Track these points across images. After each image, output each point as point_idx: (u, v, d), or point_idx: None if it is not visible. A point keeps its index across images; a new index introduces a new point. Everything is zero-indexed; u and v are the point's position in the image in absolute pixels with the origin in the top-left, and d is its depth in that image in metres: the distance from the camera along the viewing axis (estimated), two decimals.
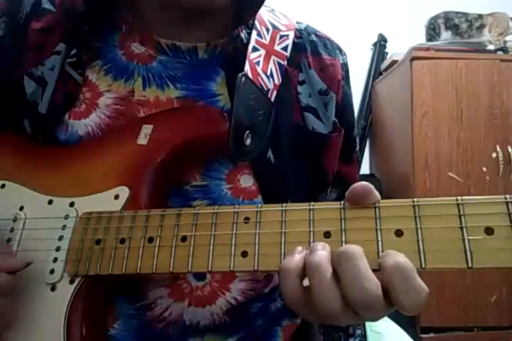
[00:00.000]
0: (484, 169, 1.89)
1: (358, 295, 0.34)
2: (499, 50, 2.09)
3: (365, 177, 2.18)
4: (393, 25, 2.50)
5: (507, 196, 0.36)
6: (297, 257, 0.37)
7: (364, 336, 0.75)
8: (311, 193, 0.61)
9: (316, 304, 0.36)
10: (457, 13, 2.17)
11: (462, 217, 0.36)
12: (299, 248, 0.38)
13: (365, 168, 2.47)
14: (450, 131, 1.91)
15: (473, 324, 1.82)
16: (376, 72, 2.50)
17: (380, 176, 2.34)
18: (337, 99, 0.64)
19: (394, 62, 2.26)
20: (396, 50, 2.29)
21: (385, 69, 2.40)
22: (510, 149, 1.91)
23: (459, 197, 0.37)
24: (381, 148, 2.41)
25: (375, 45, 2.55)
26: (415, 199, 0.38)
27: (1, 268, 0.45)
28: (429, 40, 2.18)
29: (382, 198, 0.40)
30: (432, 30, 2.17)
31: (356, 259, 0.35)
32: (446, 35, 2.16)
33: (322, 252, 0.37)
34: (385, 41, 2.53)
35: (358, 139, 0.72)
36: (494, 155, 1.90)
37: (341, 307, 0.36)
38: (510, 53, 2.07)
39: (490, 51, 2.10)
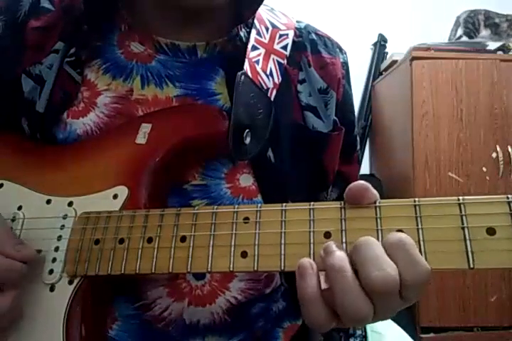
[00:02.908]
0: (484, 169, 1.89)
1: (379, 283, 0.34)
2: (499, 50, 2.08)
3: (365, 177, 2.18)
4: (393, 25, 2.50)
5: (509, 196, 0.35)
6: (312, 276, 0.36)
7: (364, 336, 0.75)
8: (312, 193, 0.61)
9: (342, 307, 0.35)
10: (497, 13, 2.17)
11: (464, 217, 0.36)
12: (307, 264, 0.37)
13: (365, 168, 2.48)
14: (450, 131, 1.91)
15: (473, 324, 1.82)
16: (376, 72, 2.50)
17: (380, 176, 2.34)
18: (337, 97, 0.63)
19: (394, 62, 2.26)
20: (396, 50, 2.29)
21: (385, 69, 2.41)
22: (510, 149, 1.91)
23: (460, 197, 0.37)
24: (381, 148, 2.41)
25: (375, 45, 2.55)
26: (416, 199, 0.38)
27: (16, 257, 0.45)
28: (467, 34, 2.18)
29: (382, 198, 0.39)
30: (471, 25, 2.16)
31: (373, 244, 0.35)
32: (485, 33, 2.15)
33: (340, 252, 0.36)
34: (385, 41, 2.53)
35: (358, 138, 0.72)
36: (494, 155, 1.90)
37: (368, 306, 0.35)
38: (510, 53, 2.07)
39: (490, 51, 2.10)
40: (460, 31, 2.21)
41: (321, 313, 0.36)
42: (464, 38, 2.21)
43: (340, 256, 0.36)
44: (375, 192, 0.39)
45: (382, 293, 0.34)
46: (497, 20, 2.16)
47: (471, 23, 2.19)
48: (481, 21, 2.17)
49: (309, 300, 0.36)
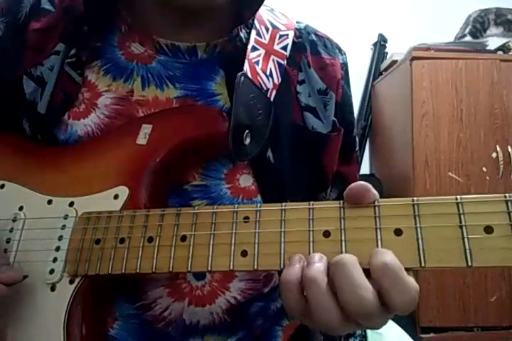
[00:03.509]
0: (484, 169, 1.89)
1: (354, 304, 0.35)
2: (499, 50, 2.09)
3: (365, 177, 2.19)
4: (393, 25, 2.50)
5: (507, 195, 0.35)
6: (296, 268, 0.37)
7: (364, 336, 0.75)
8: (311, 193, 0.61)
9: (314, 316, 0.36)
10: (510, 9, 2.16)
11: (462, 215, 0.36)
12: (297, 257, 0.38)
13: (365, 168, 2.48)
14: (450, 131, 1.91)
15: (473, 324, 1.82)
16: (376, 72, 2.50)
17: (380, 176, 2.34)
18: (336, 98, 0.64)
19: (394, 62, 2.27)
20: (396, 50, 2.30)
21: (385, 69, 2.41)
22: (510, 149, 1.91)
23: (458, 196, 0.37)
24: (381, 148, 2.41)
25: (375, 45, 2.55)
26: (415, 198, 0.38)
27: (0, 280, 0.45)
28: (472, 33, 2.18)
29: (382, 198, 0.39)
30: (480, 24, 2.16)
31: (349, 268, 0.35)
32: (495, 30, 2.15)
33: (318, 265, 0.37)
34: (385, 41, 2.53)
35: (357, 139, 0.72)
36: (494, 155, 1.90)
37: (339, 319, 0.36)
38: (510, 53, 2.07)
39: (490, 51, 2.10)
40: (467, 30, 2.22)
41: (296, 302, 0.37)
42: (468, 38, 2.21)
43: (317, 268, 0.36)
44: (375, 192, 0.39)
45: (359, 316, 0.35)
46: (510, 17, 2.15)
47: (480, 22, 2.19)
48: (491, 20, 2.17)
49: (287, 284, 0.37)
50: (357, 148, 0.71)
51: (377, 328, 0.38)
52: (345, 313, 0.36)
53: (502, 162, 1.89)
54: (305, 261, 0.38)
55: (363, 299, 0.34)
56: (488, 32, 2.17)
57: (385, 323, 0.38)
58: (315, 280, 0.36)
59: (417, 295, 0.35)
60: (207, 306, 0.52)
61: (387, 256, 0.35)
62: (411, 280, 0.35)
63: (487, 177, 1.89)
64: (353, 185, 0.39)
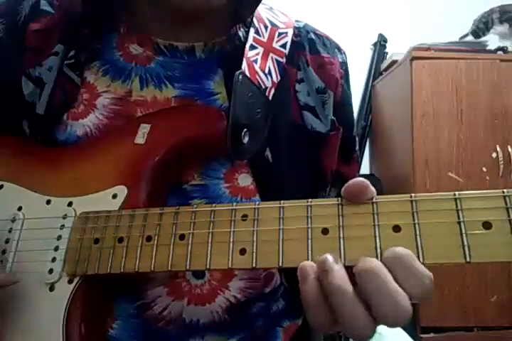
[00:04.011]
0: (484, 169, 1.89)
1: (391, 311, 0.33)
2: (499, 50, 2.08)
3: (365, 177, 2.18)
4: (393, 25, 2.50)
5: (505, 190, 0.35)
6: (312, 280, 0.35)
7: None
8: (310, 192, 0.61)
9: (346, 325, 0.35)
10: None
11: (460, 211, 0.36)
12: (308, 267, 0.36)
13: (365, 168, 2.47)
14: (450, 131, 1.91)
15: (473, 324, 1.81)
16: (376, 72, 2.50)
17: (380, 176, 2.34)
18: (335, 97, 0.63)
19: (394, 62, 2.26)
20: (396, 50, 2.29)
21: (385, 69, 2.40)
22: (510, 149, 1.90)
23: (456, 192, 0.37)
24: (381, 148, 2.41)
25: (375, 45, 2.55)
26: (413, 195, 0.38)
27: None
28: (474, 33, 2.18)
29: None
30: (483, 24, 2.16)
31: (380, 274, 0.34)
32: (500, 28, 2.15)
33: (338, 269, 0.35)
34: (385, 41, 2.53)
35: (357, 139, 0.72)
36: (494, 155, 1.90)
37: (371, 323, 0.34)
38: (510, 53, 2.07)
39: (490, 51, 2.09)
40: (469, 30, 2.22)
41: (323, 317, 0.36)
42: (470, 37, 2.21)
43: (339, 274, 0.35)
44: (373, 189, 0.39)
45: (393, 321, 0.34)
46: None
47: (484, 22, 2.19)
48: (495, 19, 2.16)
49: (311, 304, 0.36)
50: (357, 148, 0.71)
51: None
52: (379, 318, 0.34)
53: (502, 162, 1.89)
54: (317, 268, 0.36)
55: (401, 305, 0.33)
56: (492, 31, 2.17)
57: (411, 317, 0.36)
58: (340, 289, 0.34)
59: (430, 283, 0.34)
60: (206, 305, 0.52)
61: (397, 247, 0.35)
62: (423, 267, 0.34)
63: (487, 177, 1.88)
64: (351, 181, 0.39)
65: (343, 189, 0.39)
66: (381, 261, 0.35)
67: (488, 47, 2.12)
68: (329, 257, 0.36)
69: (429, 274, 0.35)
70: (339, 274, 0.35)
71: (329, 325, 0.36)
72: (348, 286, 0.35)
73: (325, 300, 0.35)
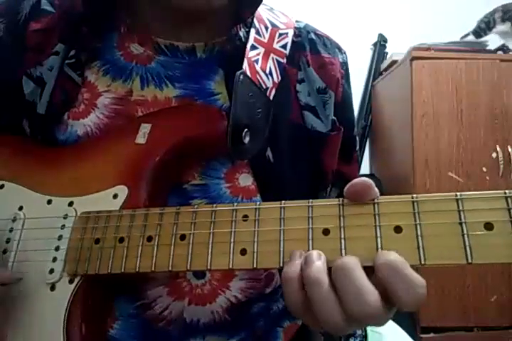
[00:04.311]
0: (484, 169, 1.89)
1: (358, 308, 0.35)
2: (499, 50, 2.08)
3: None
4: (393, 25, 2.50)
5: (506, 191, 0.35)
6: (297, 264, 0.37)
7: (364, 336, 0.75)
8: (311, 192, 0.61)
9: (317, 315, 0.36)
10: None
11: (461, 212, 0.36)
12: (297, 253, 0.38)
13: (365, 168, 2.47)
14: (450, 131, 1.91)
15: (473, 324, 1.82)
16: (376, 72, 2.50)
17: (380, 176, 2.34)
18: (336, 97, 0.63)
19: (394, 62, 2.26)
20: (396, 50, 2.29)
21: (385, 69, 2.40)
22: (510, 149, 1.90)
23: (458, 193, 0.37)
24: (381, 148, 2.41)
25: (375, 45, 2.55)
26: (414, 195, 0.38)
27: None
28: (476, 33, 2.18)
29: None
30: (485, 24, 2.17)
31: (352, 272, 0.35)
32: (502, 27, 2.15)
33: (318, 263, 0.37)
34: (385, 41, 2.53)
35: (358, 139, 0.72)
36: (494, 155, 1.90)
37: (342, 319, 0.36)
38: (510, 53, 2.07)
39: (490, 51, 2.10)
40: (471, 30, 2.22)
41: (296, 296, 0.37)
42: (471, 37, 2.21)
43: (318, 268, 0.36)
44: (376, 190, 0.39)
45: (363, 318, 0.35)
46: None
47: (486, 22, 2.19)
48: (497, 18, 2.16)
49: (288, 281, 0.37)
50: (357, 148, 0.71)
51: (381, 325, 0.38)
52: (348, 314, 0.36)
53: (502, 162, 1.89)
54: (304, 258, 0.38)
55: (368, 304, 0.34)
56: (494, 30, 2.17)
57: (388, 320, 0.38)
58: (317, 280, 0.36)
59: (424, 291, 0.35)
60: (207, 305, 0.52)
61: (392, 255, 0.35)
62: (417, 276, 0.35)
63: (487, 177, 1.88)
64: (354, 181, 0.39)
65: (345, 188, 0.39)
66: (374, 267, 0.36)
67: (488, 47, 2.12)
68: (315, 252, 0.37)
69: (421, 281, 0.35)
70: (319, 267, 0.36)
71: (302, 309, 0.37)
72: (324, 277, 0.36)
73: (301, 285, 0.37)
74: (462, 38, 2.26)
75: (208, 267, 0.41)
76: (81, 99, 0.56)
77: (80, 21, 0.57)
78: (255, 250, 0.40)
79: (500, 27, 2.16)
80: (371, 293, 0.35)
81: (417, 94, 1.93)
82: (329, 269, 0.37)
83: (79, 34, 0.57)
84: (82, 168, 0.53)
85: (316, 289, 0.36)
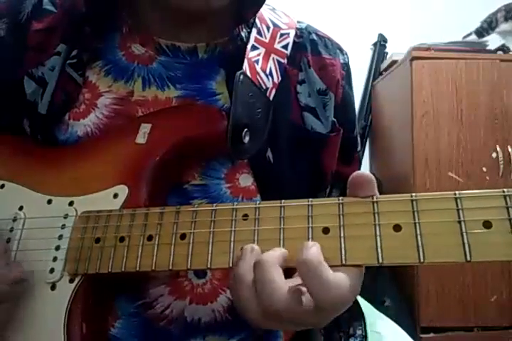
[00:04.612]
0: (484, 169, 1.89)
1: (268, 299, 0.37)
2: (499, 50, 2.09)
3: None
4: (393, 25, 2.50)
5: (505, 190, 0.35)
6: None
7: (364, 336, 0.75)
8: (310, 193, 0.61)
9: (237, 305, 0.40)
10: None
11: (460, 211, 0.36)
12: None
13: (365, 168, 2.47)
14: (450, 131, 1.91)
15: (473, 324, 1.81)
16: (376, 72, 2.49)
17: (380, 176, 2.33)
18: (336, 99, 0.63)
19: (394, 62, 2.26)
20: (396, 50, 2.29)
21: (385, 69, 2.40)
22: (510, 149, 1.90)
23: (456, 192, 0.37)
24: (381, 148, 2.41)
25: (375, 45, 2.55)
26: (413, 194, 0.38)
27: (4, 280, 0.45)
28: (478, 33, 2.19)
29: None
30: (487, 24, 2.17)
31: (268, 267, 0.37)
32: (505, 26, 2.16)
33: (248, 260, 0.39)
34: (385, 41, 2.53)
35: (359, 139, 0.72)
36: (494, 155, 1.90)
37: (258, 313, 0.38)
38: (510, 53, 2.07)
39: (490, 51, 2.09)
40: (473, 30, 2.23)
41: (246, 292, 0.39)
42: (473, 37, 2.21)
43: (243, 267, 0.39)
44: (376, 190, 0.40)
45: (274, 312, 0.37)
46: None
47: (488, 22, 2.20)
48: (500, 18, 2.17)
49: (239, 277, 0.39)
50: (358, 148, 0.71)
51: (314, 327, 0.41)
52: (262, 307, 0.37)
53: (502, 162, 1.89)
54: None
55: (278, 301, 0.36)
56: (497, 30, 2.17)
57: (320, 324, 0.40)
58: (241, 277, 0.38)
59: (343, 294, 0.36)
60: (208, 304, 0.53)
61: (311, 251, 0.37)
62: (334, 277, 0.36)
63: (487, 177, 1.88)
64: (356, 173, 0.40)
65: (349, 179, 0.40)
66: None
67: (488, 47, 2.12)
68: (247, 247, 0.40)
69: (336, 285, 0.36)
70: (243, 267, 0.39)
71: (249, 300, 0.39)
72: (247, 277, 0.38)
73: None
74: (464, 37, 2.27)
75: (208, 266, 0.41)
76: (82, 99, 0.56)
77: (82, 21, 0.58)
78: None
79: (503, 26, 2.17)
80: (280, 288, 0.37)
81: (417, 94, 1.93)
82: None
83: (81, 34, 0.57)
84: (82, 168, 0.53)
85: (239, 286, 0.39)
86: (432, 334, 1.80)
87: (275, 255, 0.38)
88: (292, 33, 0.62)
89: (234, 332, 0.55)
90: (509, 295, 1.82)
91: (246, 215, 0.42)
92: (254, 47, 0.58)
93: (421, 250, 0.36)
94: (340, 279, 0.37)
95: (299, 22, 0.66)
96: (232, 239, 0.41)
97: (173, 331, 0.52)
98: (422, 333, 1.79)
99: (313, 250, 0.37)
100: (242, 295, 0.38)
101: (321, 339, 0.64)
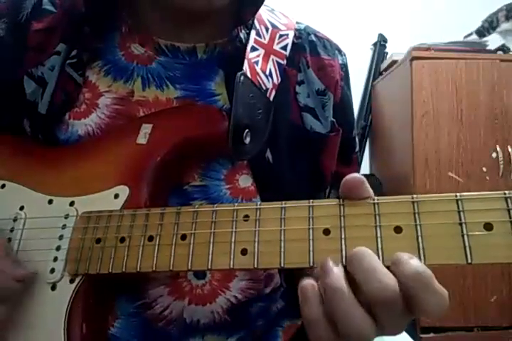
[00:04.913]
0: (484, 169, 1.89)
1: (377, 291, 0.33)
2: (499, 50, 2.09)
3: (365, 177, 2.18)
4: (393, 25, 2.50)
5: (506, 192, 0.35)
6: (314, 299, 0.36)
7: None
8: (310, 193, 0.61)
9: (346, 330, 0.34)
10: None
11: (461, 213, 0.36)
12: (309, 293, 0.36)
13: (365, 168, 2.47)
14: (450, 131, 1.91)
15: (473, 324, 1.81)
16: (376, 72, 2.50)
17: (380, 176, 2.34)
18: (335, 99, 0.64)
19: (394, 62, 2.26)
20: (396, 50, 2.29)
21: (385, 69, 2.40)
22: (510, 149, 1.90)
23: (458, 194, 0.37)
24: (381, 148, 2.41)
25: (375, 45, 2.55)
26: (414, 196, 0.38)
27: (11, 277, 0.45)
28: (479, 32, 2.20)
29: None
30: (488, 23, 2.17)
31: (369, 256, 0.35)
32: (506, 25, 2.16)
33: (336, 270, 0.35)
34: (385, 41, 2.53)
35: (357, 140, 0.72)
36: (494, 155, 1.90)
37: (373, 330, 0.34)
38: (510, 53, 2.07)
39: (490, 51, 2.09)
40: (474, 30, 2.23)
41: (325, 332, 0.35)
42: (474, 37, 2.21)
43: (337, 275, 0.35)
44: (369, 189, 0.39)
45: (383, 305, 0.34)
46: None
47: (489, 21, 2.20)
48: (501, 17, 2.17)
49: (312, 321, 0.36)
50: (357, 149, 0.71)
51: (399, 333, 0.37)
52: (369, 304, 0.34)
53: (502, 162, 1.89)
54: (316, 287, 0.36)
55: (387, 285, 0.33)
56: (498, 29, 2.17)
57: (405, 326, 0.37)
58: (338, 288, 0.34)
59: (447, 299, 0.35)
60: (207, 305, 0.53)
61: (417, 265, 0.34)
62: (440, 286, 0.35)
63: (487, 177, 1.88)
64: (349, 176, 0.39)
65: (341, 184, 0.39)
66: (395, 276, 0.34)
67: (488, 47, 2.12)
68: (328, 260, 0.36)
69: (445, 292, 0.35)
70: (337, 275, 0.35)
71: (330, 338, 0.36)
72: (344, 285, 0.35)
73: (325, 314, 0.35)
74: (465, 37, 2.27)
75: (209, 267, 0.41)
76: (82, 99, 0.56)
77: (82, 21, 0.58)
78: (256, 250, 0.40)
79: (504, 25, 2.17)
80: (389, 275, 0.34)
81: (417, 94, 1.93)
82: None
83: (80, 34, 0.57)
84: (83, 168, 0.53)
85: (338, 298, 0.34)
86: (431, 334, 1.80)
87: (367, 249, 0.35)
88: (291, 34, 0.62)
89: (233, 333, 0.55)
90: (509, 295, 1.82)
91: (247, 216, 0.42)
92: (253, 48, 0.58)
93: (422, 252, 0.36)
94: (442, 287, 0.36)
95: (297, 23, 0.66)
96: (232, 240, 0.41)
97: (172, 331, 0.52)
98: (422, 333, 1.79)
99: (417, 261, 0.35)
100: (344, 308, 0.34)
101: None
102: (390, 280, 0.34)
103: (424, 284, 0.34)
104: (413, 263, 0.34)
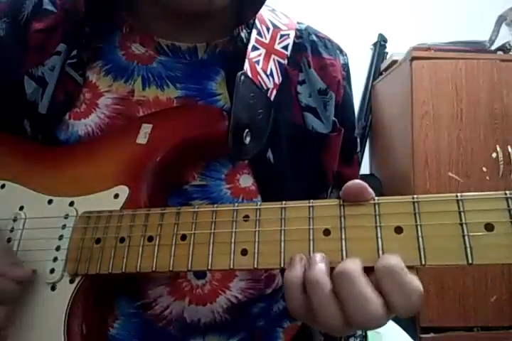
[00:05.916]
0: (484, 169, 1.89)
1: (360, 316, 0.35)
2: (499, 50, 2.09)
3: (365, 177, 2.19)
4: (393, 25, 2.50)
5: (507, 192, 0.35)
6: (298, 268, 0.37)
7: (364, 336, 0.76)
8: (311, 193, 0.61)
9: (317, 318, 0.36)
10: None
11: (462, 213, 0.36)
12: (297, 257, 0.38)
13: (365, 168, 2.47)
14: (450, 131, 1.91)
15: (473, 324, 1.82)
16: (376, 72, 2.50)
17: (380, 176, 2.34)
18: (337, 99, 0.63)
19: (394, 62, 2.26)
20: (396, 50, 2.29)
21: (385, 69, 2.40)
22: (510, 149, 1.90)
23: (458, 194, 0.37)
24: (381, 148, 2.41)
25: (375, 45, 2.55)
26: (415, 196, 0.38)
27: (11, 278, 0.45)
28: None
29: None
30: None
31: (354, 280, 0.35)
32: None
33: (321, 265, 0.36)
34: (385, 41, 2.53)
35: (358, 140, 0.72)
36: (494, 155, 1.90)
37: (342, 323, 0.36)
38: (510, 53, 2.07)
39: (490, 51, 2.09)
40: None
41: (298, 300, 0.37)
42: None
43: (320, 270, 0.36)
44: (371, 191, 0.39)
45: (364, 324, 0.35)
46: None
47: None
48: (510, 20, 2.16)
49: (290, 285, 0.37)
50: (358, 149, 0.71)
51: (378, 327, 0.38)
52: (349, 320, 0.35)
53: (502, 162, 1.89)
54: (306, 261, 0.38)
55: (370, 312, 0.34)
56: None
57: (386, 323, 0.37)
58: (318, 282, 0.36)
59: (419, 298, 0.35)
60: (207, 305, 0.53)
61: (392, 259, 0.35)
62: (414, 283, 0.35)
63: (487, 177, 1.89)
64: (349, 183, 0.39)
65: (341, 191, 0.39)
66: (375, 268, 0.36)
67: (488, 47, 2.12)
68: (318, 255, 0.37)
69: (418, 290, 0.35)
70: (321, 269, 0.36)
71: (301, 307, 0.37)
72: (326, 279, 0.36)
73: (303, 289, 0.37)
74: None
75: (209, 267, 0.41)
76: (82, 99, 0.56)
77: (82, 21, 0.57)
78: (256, 250, 0.40)
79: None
80: (373, 301, 0.35)
81: (417, 94, 1.93)
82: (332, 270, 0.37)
83: (81, 34, 0.57)
84: (82, 168, 0.53)
85: (317, 291, 0.36)
86: (431, 334, 1.80)
87: (356, 264, 0.36)
88: (292, 33, 0.62)
89: (233, 333, 0.55)
90: (509, 295, 1.82)
91: (247, 216, 0.42)
92: (254, 48, 0.58)
93: (422, 252, 0.36)
94: (417, 284, 0.36)
95: (298, 23, 0.66)
96: (232, 241, 0.41)
97: (173, 331, 0.52)
98: (422, 333, 1.80)
99: (396, 258, 0.35)
100: (319, 303, 0.36)
101: (321, 339, 0.65)
102: (373, 305, 0.35)
103: (392, 278, 0.35)
104: (389, 258, 0.35)
